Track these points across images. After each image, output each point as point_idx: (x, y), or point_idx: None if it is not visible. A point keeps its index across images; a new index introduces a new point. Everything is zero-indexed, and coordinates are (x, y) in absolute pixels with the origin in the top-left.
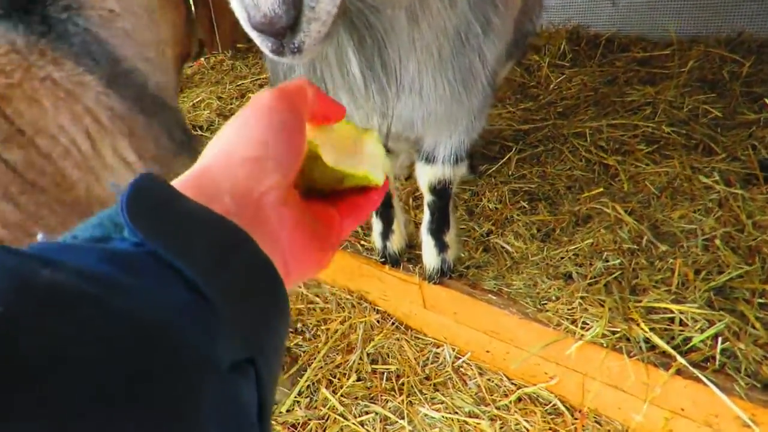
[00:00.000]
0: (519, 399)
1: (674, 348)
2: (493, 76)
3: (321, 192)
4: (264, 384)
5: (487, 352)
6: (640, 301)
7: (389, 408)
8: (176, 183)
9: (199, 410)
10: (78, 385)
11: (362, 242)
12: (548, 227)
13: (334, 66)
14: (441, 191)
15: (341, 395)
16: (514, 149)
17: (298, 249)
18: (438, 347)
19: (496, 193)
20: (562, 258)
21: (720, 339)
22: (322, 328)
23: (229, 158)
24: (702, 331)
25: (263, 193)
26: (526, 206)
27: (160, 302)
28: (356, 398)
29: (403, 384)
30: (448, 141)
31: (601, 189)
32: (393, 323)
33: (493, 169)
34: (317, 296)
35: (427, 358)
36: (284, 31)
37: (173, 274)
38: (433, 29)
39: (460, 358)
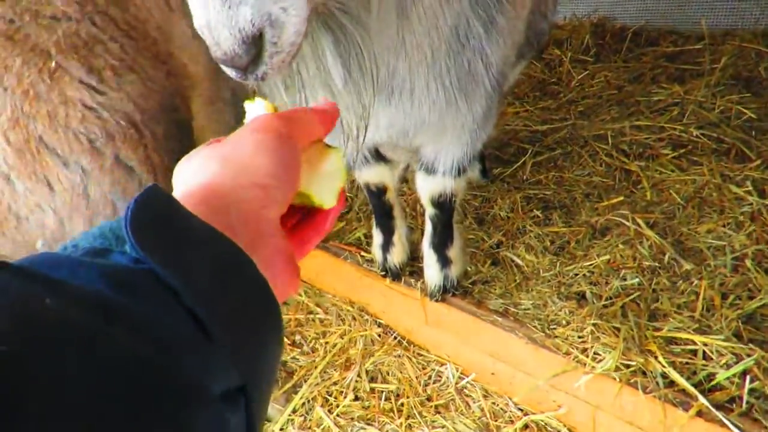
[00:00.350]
0: (525, 426)
1: (696, 385)
2: (500, 79)
3: None
4: (253, 410)
5: (492, 374)
6: (659, 330)
7: (387, 431)
8: (186, 188)
9: None
10: (74, 421)
11: (362, 253)
12: (562, 240)
13: (311, 61)
14: (443, 204)
15: (337, 415)
16: (530, 152)
17: (288, 276)
18: (441, 365)
19: (508, 201)
20: (576, 275)
21: (748, 377)
22: (321, 341)
23: (238, 178)
24: (728, 366)
25: (265, 220)
26: (540, 215)
27: (157, 329)
28: (352, 419)
29: (402, 405)
30: (448, 151)
31: (622, 198)
32: (395, 337)
33: (507, 173)
34: (318, 306)
35: (429, 377)
36: (245, 66)
37: (171, 297)
38: (425, 26)
39: (464, 378)
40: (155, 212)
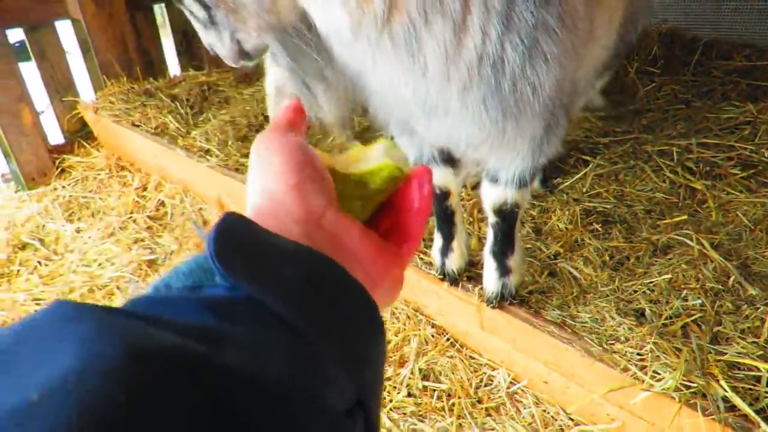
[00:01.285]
0: None
1: (758, 412)
2: (558, 101)
3: (361, 217)
4: (373, 421)
5: (545, 382)
6: (722, 354)
7: (438, 428)
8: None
9: None
10: None
11: (421, 256)
12: (622, 255)
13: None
14: (505, 213)
15: (390, 409)
16: (591, 164)
17: (373, 254)
18: (493, 370)
19: (567, 212)
20: (635, 291)
21: None
22: None
23: (272, 195)
24: None
25: (320, 214)
26: (599, 229)
27: (267, 353)
28: (405, 414)
29: (453, 404)
30: (510, 164)
31: (685, 216)
32: (448, 339)
33: (566, 184)
34: None
35: (481, 380)
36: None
37: (273, 318)
38: (440, 53)
39: (515, 384)
40: (237, 238)
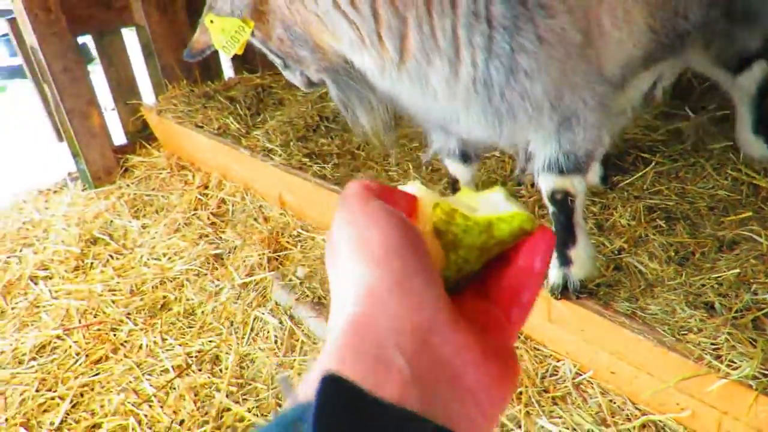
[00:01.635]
0: (643, 425)
1: None
2: (576, 95)
3: (467, 276)
4: None
5: (612, 373)
6: None
7: (506, 415)
8: (337, 343)
9: None
10: None
11: None
12: (687, 250)
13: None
14: (558, 203)
15: None
16: (651, 163)
17: (490, 383)
18: (558, 361)
19: (629, 209)
20: (703, 285)
21: None
22: None
23: (372, 294)
24: None
25: (429, 327)
26: (663, 225)
27: None
28: None
29: (521, 393)
30: (540, 150)
31: (750, 213)
32: None
33: (627, 182)
34: None
35: (546, 371)
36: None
37: None
38: (440, 78)
39: (581, 374)
40: (341, 421)
